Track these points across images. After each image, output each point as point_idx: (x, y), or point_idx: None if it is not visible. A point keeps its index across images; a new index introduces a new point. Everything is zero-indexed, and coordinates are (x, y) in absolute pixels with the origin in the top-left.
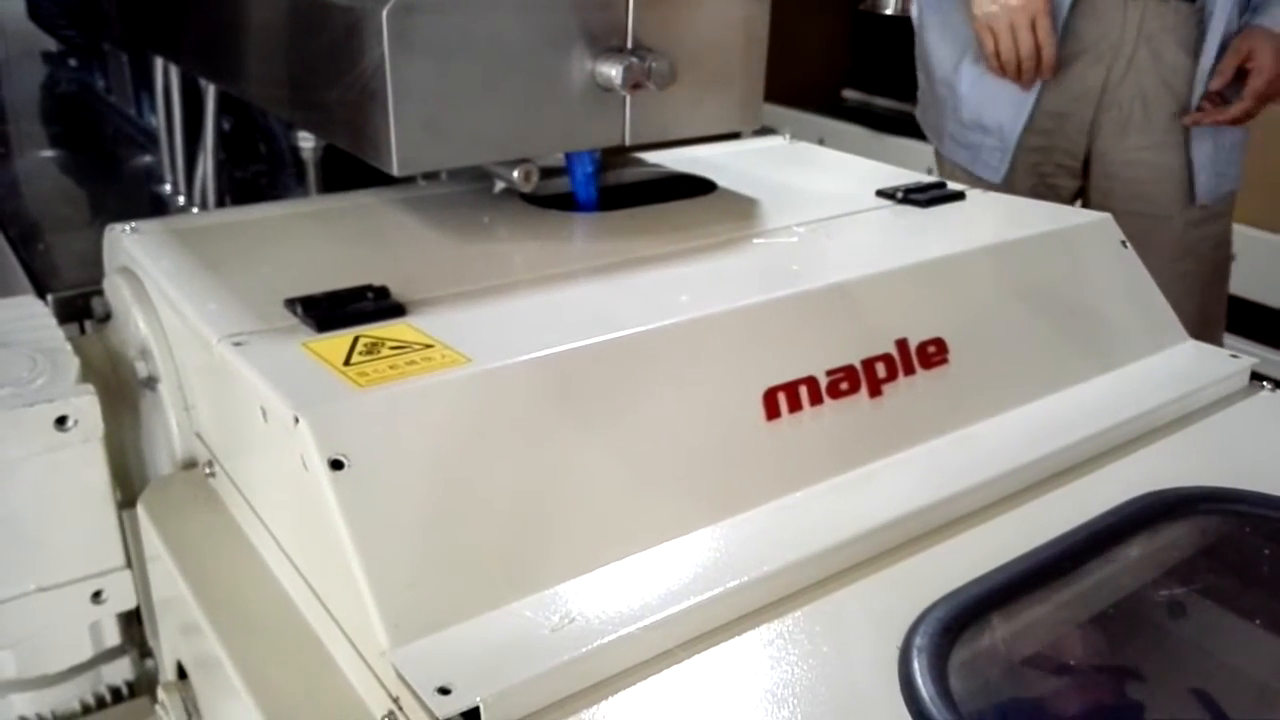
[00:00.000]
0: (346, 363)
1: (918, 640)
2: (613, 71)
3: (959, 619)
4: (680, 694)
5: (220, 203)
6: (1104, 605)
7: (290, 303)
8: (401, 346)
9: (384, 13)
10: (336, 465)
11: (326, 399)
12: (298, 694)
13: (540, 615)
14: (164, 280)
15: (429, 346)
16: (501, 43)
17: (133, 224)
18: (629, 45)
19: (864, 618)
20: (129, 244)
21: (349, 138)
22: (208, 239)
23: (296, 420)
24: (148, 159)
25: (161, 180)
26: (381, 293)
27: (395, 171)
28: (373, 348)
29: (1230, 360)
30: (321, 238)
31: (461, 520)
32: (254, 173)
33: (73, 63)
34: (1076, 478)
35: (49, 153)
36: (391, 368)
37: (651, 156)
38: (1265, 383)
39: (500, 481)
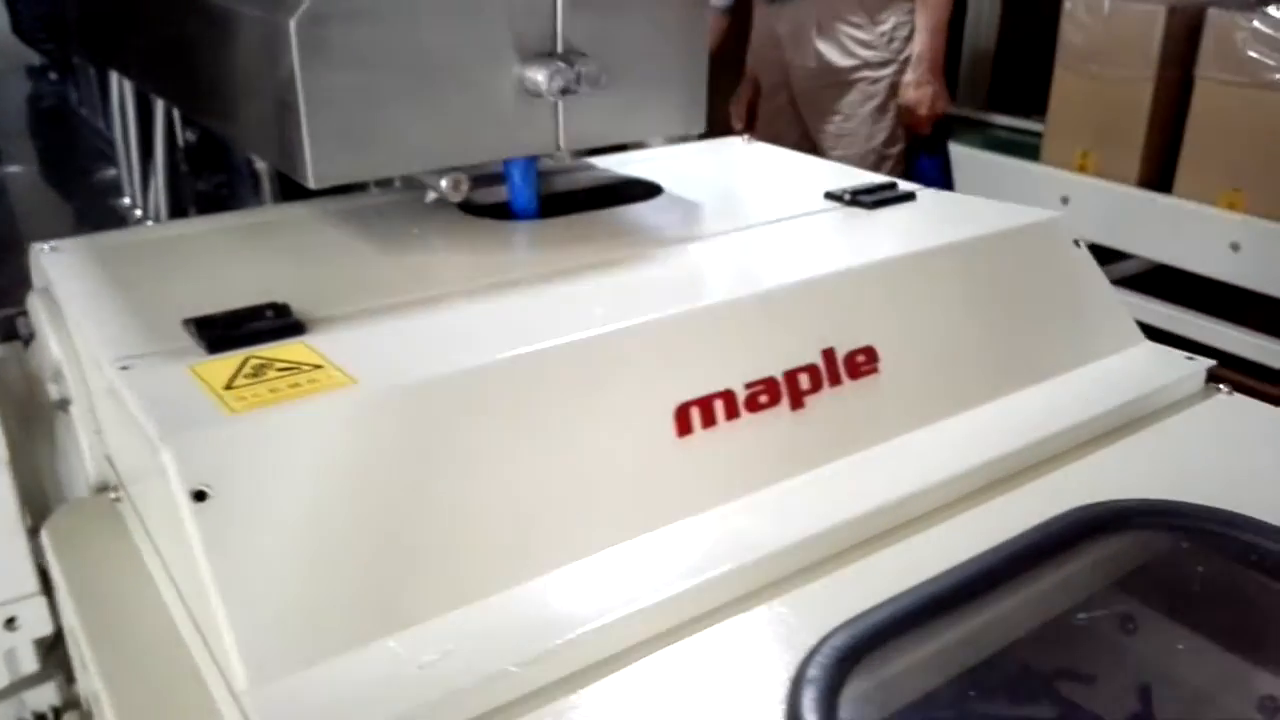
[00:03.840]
0: (228, 386)
1: (810, 671)
2: (539, 76)
3: (857, 648)
4: None
5: (178, 215)
6: (1017, 632)
7: (187, 323)
8: (290, 368)
9: (292, 23)
10: (199, 496)
11: (192, 426)
12: None
13: (412, 652)
14: (72, 301)
15: (318, 368)
16: (420, 51)
17: (52, 243)
18: (558, 50)
19: (762, 646)
20: (46, 263)
21: (269, 150)
22: (126, 257)
23: (160, 448)
24: (112, 172)
25: (121, 194)
26: (282, 310)
27: (311, 184)
28: (260, 370)
29: (1185, 362)
30: (244, 253)
31: (334, 553)
32: (216, 184)
33: (53, 76)
34: (1011, 489)
35: (15, 168)
36: (272, 391)
37: (604, 160)
38: (1222, 385)
39: (378, 511)
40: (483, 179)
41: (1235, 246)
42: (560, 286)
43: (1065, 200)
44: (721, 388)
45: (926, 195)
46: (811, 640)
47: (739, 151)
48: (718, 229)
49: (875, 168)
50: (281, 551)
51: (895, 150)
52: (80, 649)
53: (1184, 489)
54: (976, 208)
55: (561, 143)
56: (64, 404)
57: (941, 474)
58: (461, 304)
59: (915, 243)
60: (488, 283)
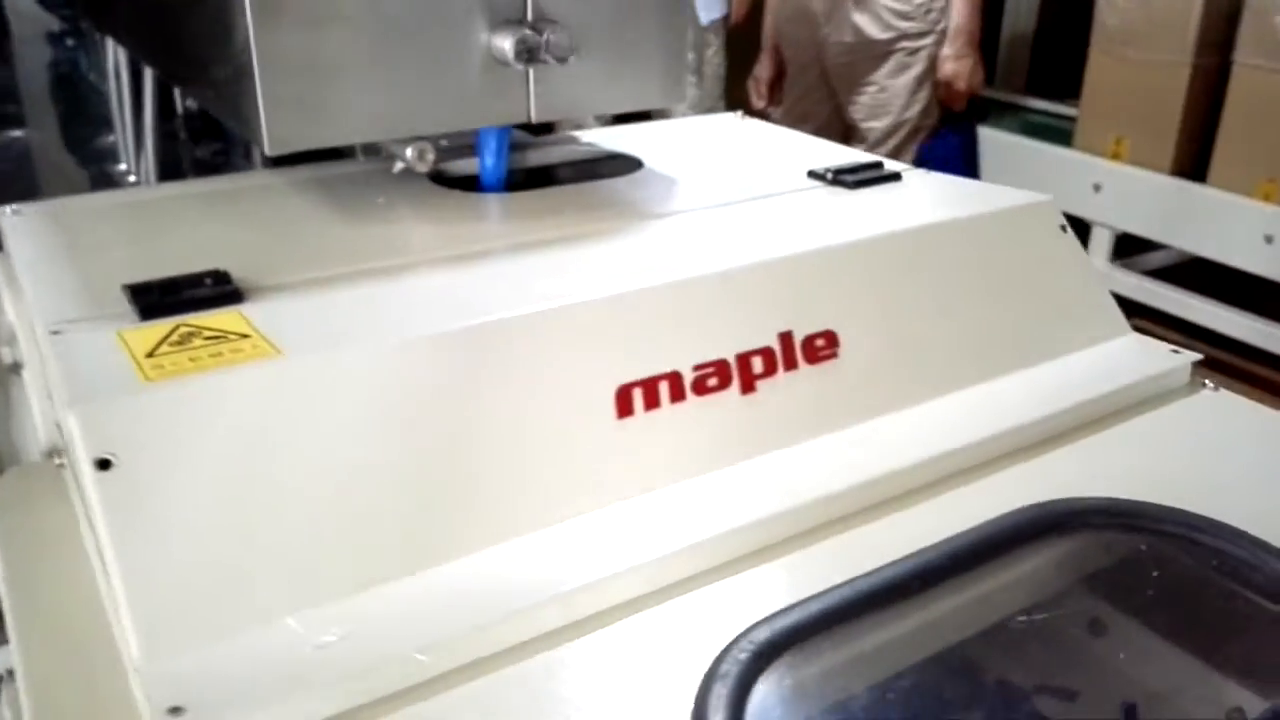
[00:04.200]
0: (150, 354)
1: (723, 666)
2: (505, 44)
3: (776, 643)
4: None
5: (171, 178)
6: (960, 633)
7: (126, 289)
8: (217, 337)
9: None
10: (104, 464)
11: (101, 394)
12: (76, 706)
13: (313, 631)
14: (23, 264)
15: (245, 337)
16: (380, 15)
17: (14, 206)
18: (528, 17)
19: (684, 636)
20: (5, 226)
21: (233, 115)
22: (85, 221)
23: (67, 414)
24: (112, 138)
25: (119, 159)
26: (221, 278)
27: (267, 150)
28: (187, 338)
29: (1170, 356)
30: (203, 220)
31: (242, 528)
32: (213, 152)
33: (70, 42)
34: (970, 483)
35: (35, 132)
36: (192, 360)
37: (589, 134)
38: (1207, 381)
39: (292, 486)
40: (456, 150)
41: (1269, 239)
42: (513, 261)
43: (1097, 188)
44: (668, 369)
45: (913, 176)
46: (736, 631)
47: (732, 128)
48: (689, 206)
49: (907, 141)
50: (186, 525)
51: (929, 123)
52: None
53: (1154, 488)
54: (963, 189)
55: (533, 114)
56: (17, 368)
57: (894, 464)
58: (408, 276)
59: (889, 224)
60: (442, 255)
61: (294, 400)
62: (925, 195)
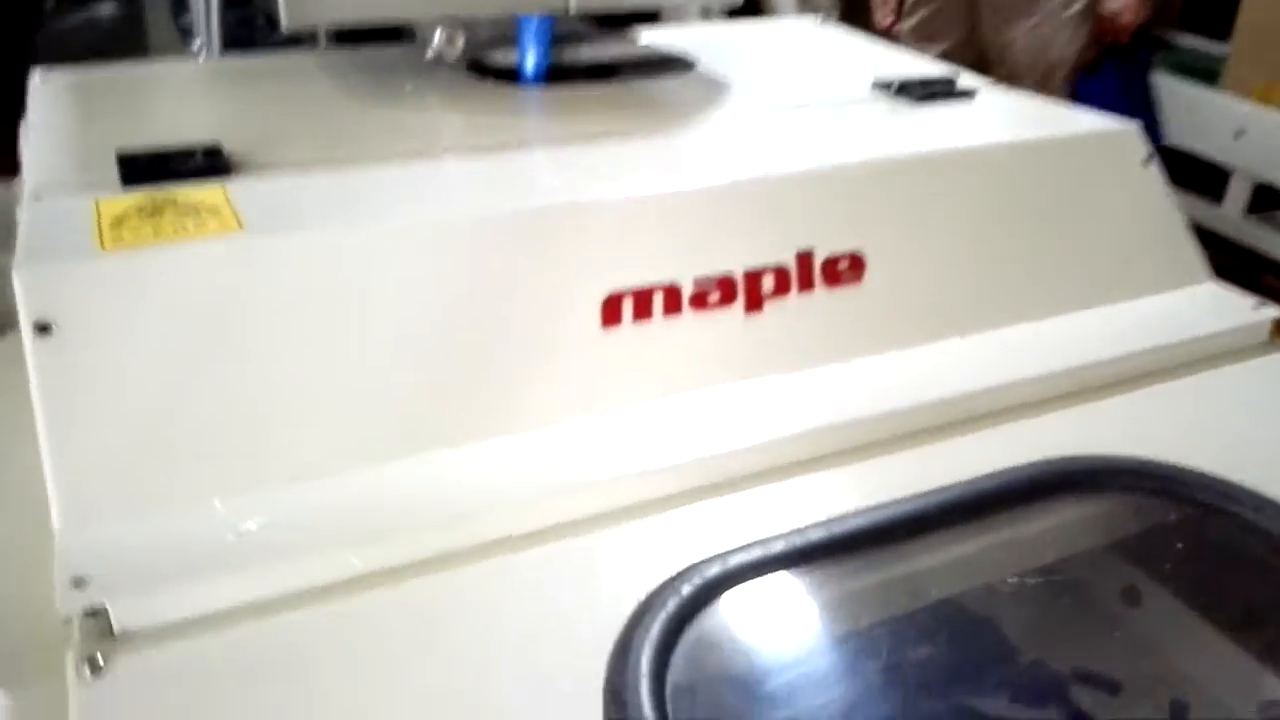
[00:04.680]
0: (118, 223)
1: (660, 599)
2: None
3: (725, 580)
4: (348, 631)
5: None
6: (932, 591)
7: (117, 157)
8: (189, 210)
9: None
10: (43, 329)
11: (50, 258)
12: (7, 571)
13: (238, 517)
14: (34, 128)
15: (215, 212)
16: None
17: (44, 72)
18: None
19: (629, 563)
20: (31, 89)
21: None
22: (105, 91)
23: (15, 277)
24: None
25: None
26: (212, 152)
27: (284, 26)
28: (159, 209)
29: (1249, 310)
30: (220, 97)
31: (178, 406)
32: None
33: None
34: (992, 427)
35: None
36: (155, 232)
37: (655, 32)
38: None
39: (235, 369)
40: (500, 40)
41: None
42: (526, 155)
43: (1240, 134)
44: (664, 280)
45: (987, 94)
46: (682, 565)
47: (805, 33)
48: (730, 112)
49: (1064, 78)
50: (121, 398)
51: (1085, 60)
52: None
53: (1201, 451)
54: (1039, 111)
55: (572, 4)
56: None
57: (908, 400)
58: (407, 164)
59: (943, 143)
60: (451, 145)
61: (247, 280)
62: (995, 115)
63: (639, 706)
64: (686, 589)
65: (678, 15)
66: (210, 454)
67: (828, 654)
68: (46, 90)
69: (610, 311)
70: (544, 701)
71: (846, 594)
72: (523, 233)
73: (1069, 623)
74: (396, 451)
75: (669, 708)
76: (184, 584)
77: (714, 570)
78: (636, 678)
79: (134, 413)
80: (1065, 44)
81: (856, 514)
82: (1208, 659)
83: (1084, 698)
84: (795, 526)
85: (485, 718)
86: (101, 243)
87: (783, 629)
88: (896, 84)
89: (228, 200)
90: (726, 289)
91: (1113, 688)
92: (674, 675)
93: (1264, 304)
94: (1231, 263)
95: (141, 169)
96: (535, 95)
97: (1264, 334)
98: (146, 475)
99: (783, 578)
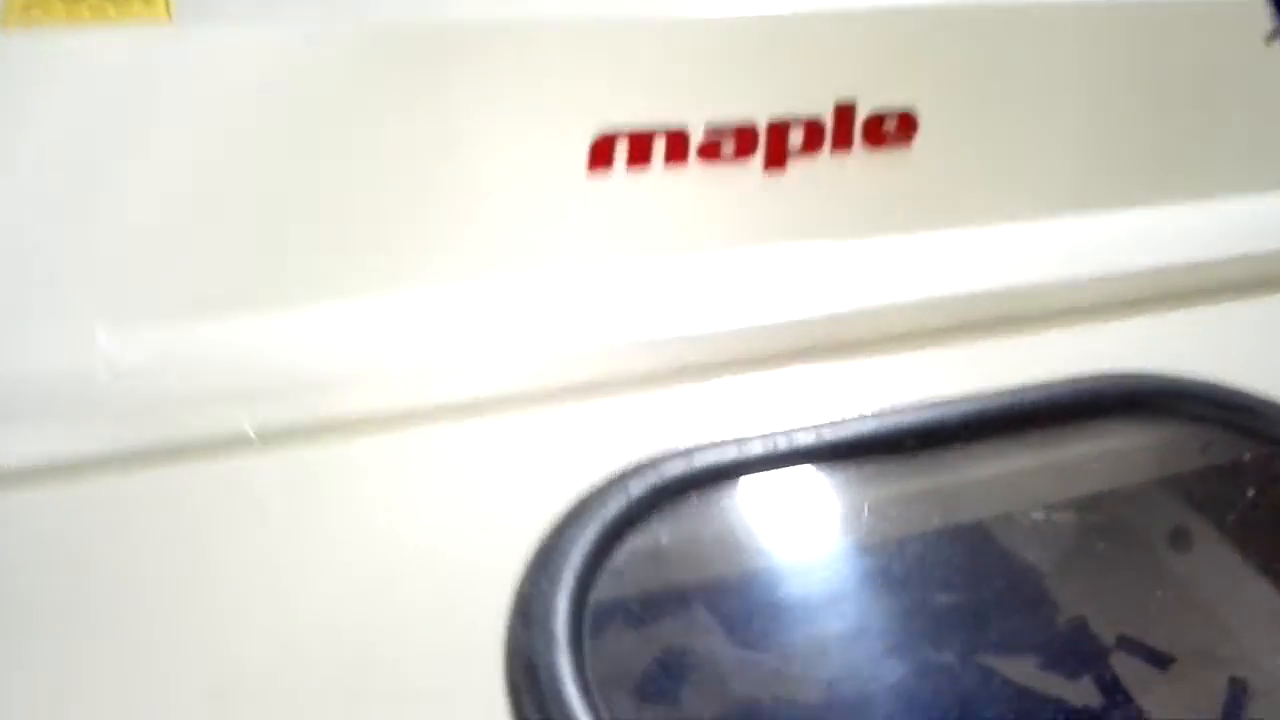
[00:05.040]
0: (30, 3)
1: (602, 497)
2: None
3: (683, 483)
4: (221, 492)
5: None
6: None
7: None
8: None
9: None
10: None
11: None
12: None
13: (125, 354)
14: None
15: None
16: None
17: None
18: None
19: (579, 450)
20: None
21: None
22: None
23: None
24: None
25: None
26: None
27: None
28: None
29: None
30: None
31: (72, 215)
32: None
33: None
34: (1042, 331)
35: None
36: (70, 13)
37: None
38: None
39: (142, 179)
40: None
41: None
42: None
43: None
44: (670, 123)
45: None
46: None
47: None
48: None
49: None
50: (17, 205)
51: None
52: None
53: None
54: None
55: None
56: None
57: (940, 289)
58: None
59: None
60: None
61: (165, 80)
62: None
63: (548, 622)
64: (637, 488)
65: None
66: (103, 267)
67: (804, 582)
68: None
69: (600, 153)
70: (445, 603)
71: (834, 511)
72: (505, 48)
73: (1106, 566)
74: (321, 292)
75: (585, 628)
76: (48, 424)
77: (674, 469)
78: (554, 587)
79: (17, 217)
80: None
81: (859, 418)
82: (1264, 621)
83: (1126, 669)
84: (787, 426)
85: (369, 610)
86: (10, 21)
87: (750, 545)
88: None
89: None
90: (745, 140)
91: (1161, 660)
92: (602, 591)
93: None
94: None
95: None
96: None
97: None
98: (31, 282)
99: (758, 485)
